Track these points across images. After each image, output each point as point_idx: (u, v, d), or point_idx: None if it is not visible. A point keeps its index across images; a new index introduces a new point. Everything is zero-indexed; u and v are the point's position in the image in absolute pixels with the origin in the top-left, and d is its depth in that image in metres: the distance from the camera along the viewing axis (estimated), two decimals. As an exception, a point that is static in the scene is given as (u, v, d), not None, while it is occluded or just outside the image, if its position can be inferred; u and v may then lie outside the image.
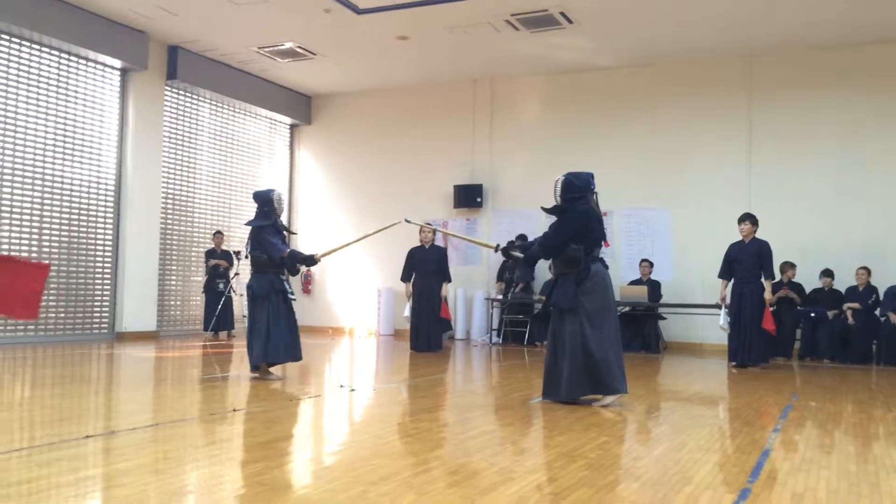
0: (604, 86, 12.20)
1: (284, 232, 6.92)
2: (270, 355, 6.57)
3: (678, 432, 4.66)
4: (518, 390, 6.41)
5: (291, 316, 6.74)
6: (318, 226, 14.37)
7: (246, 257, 6.93)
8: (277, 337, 6.55)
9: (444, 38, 10.98)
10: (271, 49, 11.78)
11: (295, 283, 14.47)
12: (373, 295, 13.35)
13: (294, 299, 6.86)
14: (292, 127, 14.65)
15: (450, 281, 10.47)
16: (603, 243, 5.76)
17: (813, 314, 10.00)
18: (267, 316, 6.54)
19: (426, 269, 10.14)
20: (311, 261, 6.74)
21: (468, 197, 12.84)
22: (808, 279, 10.32)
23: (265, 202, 6.82)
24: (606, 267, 5.72)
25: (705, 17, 9.99)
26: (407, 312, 10.19)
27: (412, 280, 10.19)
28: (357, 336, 13.30)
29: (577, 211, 5.56)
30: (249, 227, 6.87)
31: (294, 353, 6.70)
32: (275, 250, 6.60)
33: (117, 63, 10.97)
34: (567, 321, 5.47)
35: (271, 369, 6.72)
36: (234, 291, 11.89)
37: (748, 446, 4.21)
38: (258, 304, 6.62)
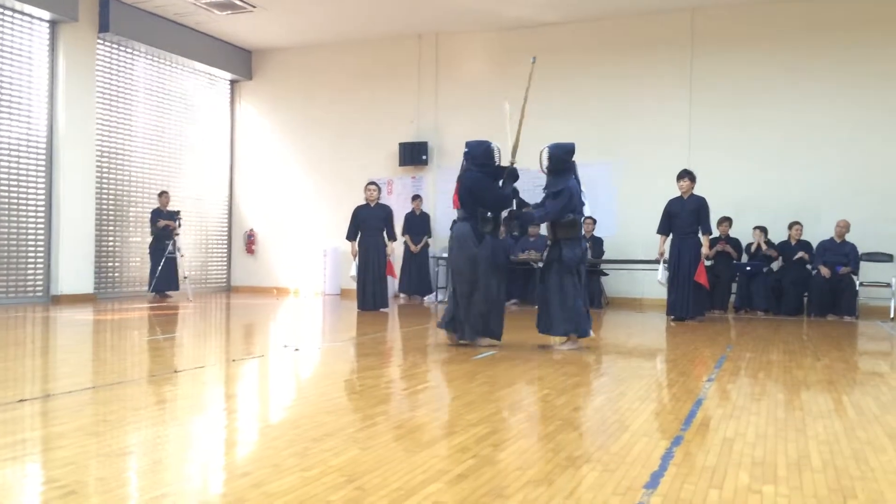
0: (549, 42, 12.16)
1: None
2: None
3: (618, 383, 4.79)
4: (462, 348, 6.47)
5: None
6: (260, 183, 14.13)
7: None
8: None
9: (387, -8, 10.78)
10: (208, 1, 11.39)
11: (237, 241, 14.29)
12: (318, 255, 13.25)
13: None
14: (232, 82, 14.28)
15: (395, 239, 10.45)
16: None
17: (748, 268, 10.31)
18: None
19: (371, 227, 10.07)
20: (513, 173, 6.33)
21: (414, 154, 12.76)
22: (746, 234, 10.61)
23: (487, 155, 6.33)
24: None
25: (648, -26, 10.03)
26: (353, 272, 10.13)
27: (357, 239, 10.12)
28: (303, 296, 13.22)
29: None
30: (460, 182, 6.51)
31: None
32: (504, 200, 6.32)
33: (46, 14, 10.47)
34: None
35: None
36: (179, 252, 11.65)
37: (683, 395, 4.35)
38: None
